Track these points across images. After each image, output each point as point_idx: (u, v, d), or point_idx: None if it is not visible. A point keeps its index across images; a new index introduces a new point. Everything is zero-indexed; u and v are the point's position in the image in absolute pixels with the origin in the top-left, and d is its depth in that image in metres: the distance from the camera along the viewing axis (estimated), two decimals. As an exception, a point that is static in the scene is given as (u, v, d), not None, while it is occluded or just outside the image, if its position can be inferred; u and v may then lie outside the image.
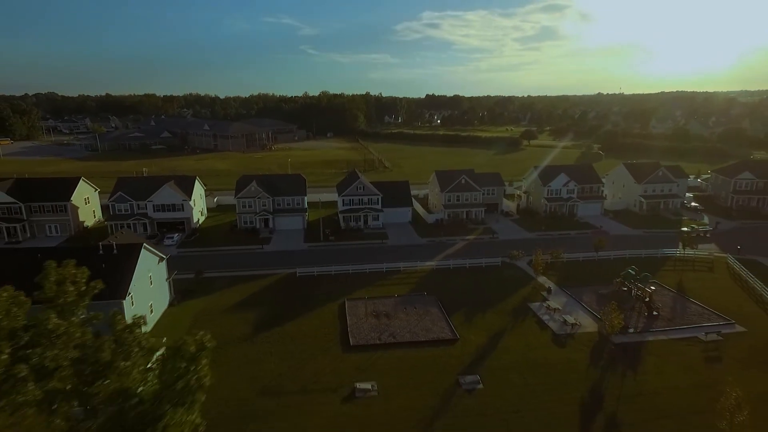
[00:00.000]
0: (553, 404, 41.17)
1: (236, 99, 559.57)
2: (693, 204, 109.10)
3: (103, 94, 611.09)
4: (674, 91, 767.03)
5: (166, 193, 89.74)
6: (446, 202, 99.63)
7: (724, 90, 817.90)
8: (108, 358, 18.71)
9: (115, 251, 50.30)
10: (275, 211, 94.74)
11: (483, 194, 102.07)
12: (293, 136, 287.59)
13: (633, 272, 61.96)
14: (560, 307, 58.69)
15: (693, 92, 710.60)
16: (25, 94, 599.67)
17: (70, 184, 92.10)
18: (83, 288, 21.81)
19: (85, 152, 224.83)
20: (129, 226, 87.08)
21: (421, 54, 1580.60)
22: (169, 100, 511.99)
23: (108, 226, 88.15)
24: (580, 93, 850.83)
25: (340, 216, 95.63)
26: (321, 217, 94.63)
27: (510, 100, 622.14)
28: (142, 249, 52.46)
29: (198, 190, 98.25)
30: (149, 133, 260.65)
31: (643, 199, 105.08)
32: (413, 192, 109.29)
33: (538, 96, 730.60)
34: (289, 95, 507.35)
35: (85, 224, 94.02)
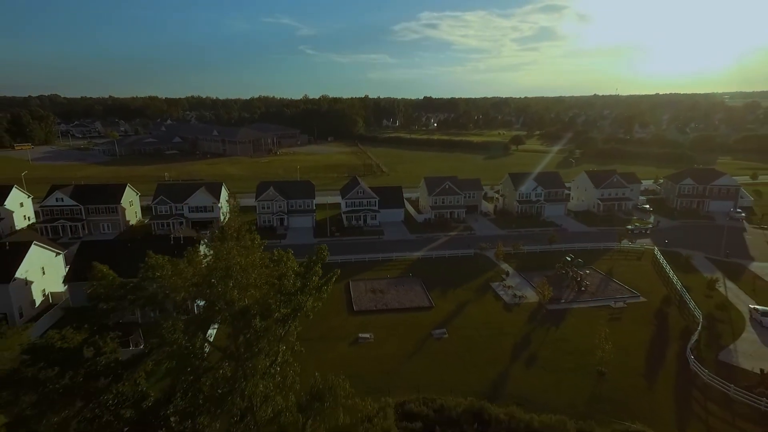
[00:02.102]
0: (495, 346, 59.52)
1: (237, 101, 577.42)
2: (645, 206, 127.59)
3: (106, 95, 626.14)
4: (668, 93, 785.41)
5: (200, 197, 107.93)
6: (433, 204, 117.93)
7: (721, 91, 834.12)
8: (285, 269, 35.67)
9: (182, 242, 68.38)
10: (289, 212, 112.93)
11: (464, 197, 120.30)
12: (296, 141, 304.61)
13: (570, 259, 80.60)
14: (514, 285, 77.07)
15: (685, 94, 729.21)
16: (29, 95, 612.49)
17: (119, 189, 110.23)
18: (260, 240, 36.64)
19: (104, 157, 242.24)
20: (169, 225, 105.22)
21: (420, 54, 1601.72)
22: (173, 103, 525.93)
23: (152, 224, 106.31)
24: (577, 94, 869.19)
25: (344, 216, 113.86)
26: (327, 217, 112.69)
27: (506, 102, 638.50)
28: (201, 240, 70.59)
29: (224, 194, 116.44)
30: (161, 138, 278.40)
31: (600, 202, 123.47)
32: (407, 195, 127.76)
33: (534, 97, 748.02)
34: (289, 96, 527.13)
35: (130, 223, 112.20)
